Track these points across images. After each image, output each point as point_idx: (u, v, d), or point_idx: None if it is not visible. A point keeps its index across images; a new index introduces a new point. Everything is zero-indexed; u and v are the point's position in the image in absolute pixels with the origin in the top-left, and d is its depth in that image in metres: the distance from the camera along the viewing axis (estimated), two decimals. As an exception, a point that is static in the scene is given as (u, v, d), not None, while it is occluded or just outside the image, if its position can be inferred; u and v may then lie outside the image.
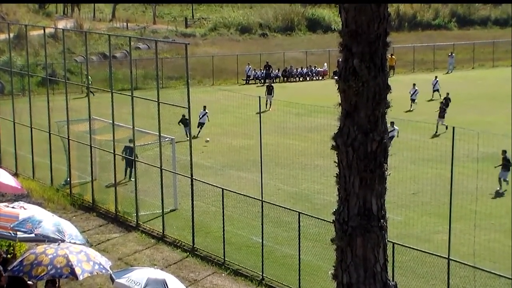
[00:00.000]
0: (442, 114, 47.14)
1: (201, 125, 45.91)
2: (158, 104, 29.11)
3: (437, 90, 59.24)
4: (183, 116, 41.13)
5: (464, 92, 59.92)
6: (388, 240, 11.44)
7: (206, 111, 46.44)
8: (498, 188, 34.18)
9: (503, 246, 26.87)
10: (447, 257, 21.20)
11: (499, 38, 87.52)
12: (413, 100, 54.46)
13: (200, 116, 45.85)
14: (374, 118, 10.92)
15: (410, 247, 22.63)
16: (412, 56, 78.08)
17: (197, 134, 44.91)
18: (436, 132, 46.01)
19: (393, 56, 70.01)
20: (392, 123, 38.28)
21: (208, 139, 43.24)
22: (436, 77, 62.31)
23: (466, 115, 50.50)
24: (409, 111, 52.89)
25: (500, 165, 34.71)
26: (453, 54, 77.75)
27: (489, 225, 29.12)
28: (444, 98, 52.24)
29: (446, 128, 45.92)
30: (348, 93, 10.90)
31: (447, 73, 73.81)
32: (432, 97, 58.35)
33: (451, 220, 21.22)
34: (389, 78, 10.89)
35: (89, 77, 49.66)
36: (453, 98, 52.58)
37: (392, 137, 37.67)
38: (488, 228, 28.61)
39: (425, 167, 37.33)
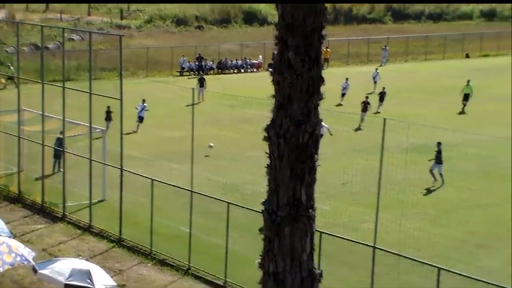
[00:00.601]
0: (365, 109, 46.87)
1: (140, 119, 45.00)
2: (90, 95, 28.93)
3: (376, 82, 59.70)
4: (108, 108, 40.51)
5: (397, 85, 60.50)
6: (315, 229, 11.54)
7: (145, 104, 45.38)
8: (433, 181, 34.09)
9: (427, 234, 27.27)
10: (372, 245, 21.42)
11: (432, 32, 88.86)
12: (343, 94, 54.38)
13: (139, 110, 44.88)
14: (307, 110, 11.02)
15: (337, 236, 22.76)
16: (346, 49, 78.67)
17: (137, 128, 44.35)
18: (360, 125, 45.95)
19: (327, 49, 70.40)
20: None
21: (211, 144, 38.87)
22: (376, 69, 62.92)
23: (399, 108, 51.02)
24: (340, 104, 52.85)
25: (433, 159, 34.55)
26: (387, 47, 78.58)
27: (415, 214, 29.52)
28: (380, 93, 52.58)
29: (362, 120, 45.70)
30: (282, 85, 10.97)
31: (381, 66, 74.37)
32: (374, 89, 58.69)
33: (378, 210, 21.43)
34: (323, 71, 10.99)
35: (11, 67, 48.92)
36: (386, 91, 53.16)
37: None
38: (414, 217, 29.02)
39: (355, 158, 37.58)
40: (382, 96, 52.03)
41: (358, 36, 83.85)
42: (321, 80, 11.05)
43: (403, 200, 29.51)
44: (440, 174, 34.15)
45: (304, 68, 10.80)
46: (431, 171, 34.43)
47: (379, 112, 49.55)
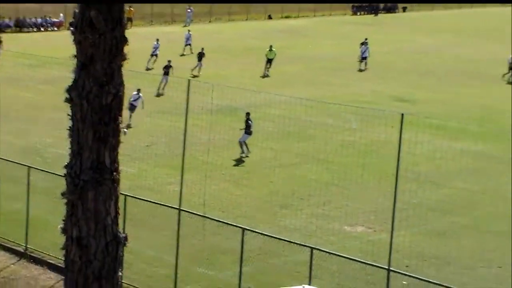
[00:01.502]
0: (167, 72, 45.65)
1: None
2: None
3: (189, 44, 59.55)
4: None
5: (201, 46, 60.42)
6: (120, 193, 11.35)
7: None
8: (242, 153, 32.94)
9: (231, 195, 27.61)
10: (178, 207, 21.39)
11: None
12: (155, 55, 53.49)
13: None
14: (110, 71, 10.89)
15: (142, 199, 22.61)
16: (150, 9, 78.02)
17: None
18: (159, 89, 44.85)
19: (131, 8, 69.55)
20: (138, 90, 36.86)
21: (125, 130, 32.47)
22: (189, 30, 62.67)
23: (203, 69, 51.05)
24: (151, 68, 51.88)
25: (243, 129, 33.93)
26: (192, 8, 78.64)
27: (219, 175, 29.77)
28: (198, 53, 52.29)
29: (164, 84, 44.61)
30: (84, 44, 10.74)
31: (185, 26, 74.49)
32: (190, 51, 58.44)
33: (183, 171, 21.39)
34: (126, 31, 10.75)
35: None
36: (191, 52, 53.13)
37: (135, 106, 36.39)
38: (218, 179, 29.26)
39: (159, 120, 37.48)
40: (200, 57, 51.77)
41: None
42: (124, 40, 10.92)
43: (207, 162, 29.68)
44: (243, 143, 33.29)
45: (107, 28, 10.61)
46: (240, 143, 33.18)
47: (197, 76, 48.71)
